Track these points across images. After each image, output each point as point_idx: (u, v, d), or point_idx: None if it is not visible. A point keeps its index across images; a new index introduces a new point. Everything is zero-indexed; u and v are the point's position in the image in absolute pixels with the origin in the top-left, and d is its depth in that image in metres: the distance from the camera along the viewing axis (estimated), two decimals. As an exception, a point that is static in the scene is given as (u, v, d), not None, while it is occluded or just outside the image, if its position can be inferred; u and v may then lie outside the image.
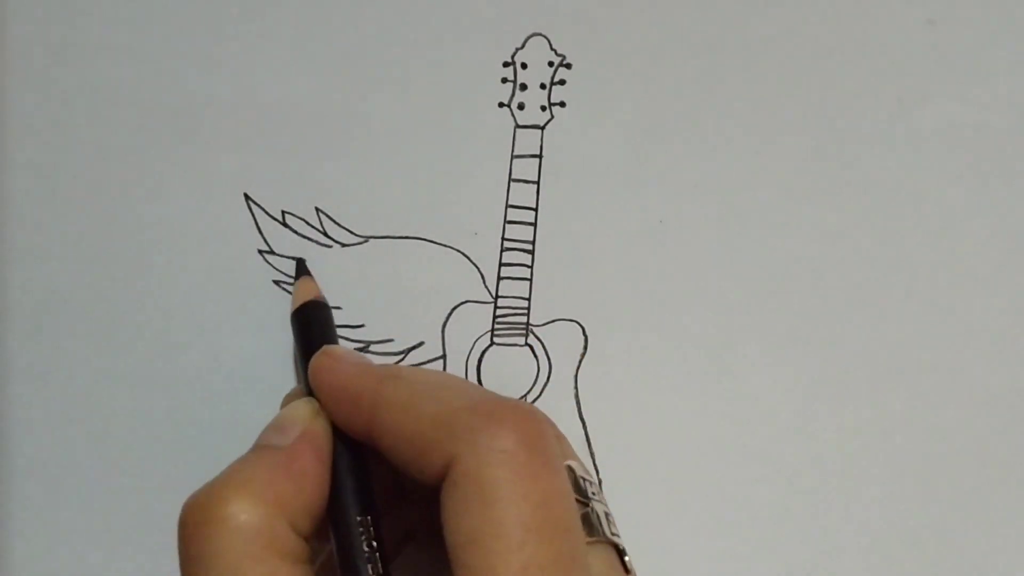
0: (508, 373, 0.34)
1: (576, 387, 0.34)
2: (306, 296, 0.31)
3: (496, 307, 0.34)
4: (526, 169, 0.34)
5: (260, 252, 0.34)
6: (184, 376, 0.34)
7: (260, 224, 0.34)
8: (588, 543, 0.24)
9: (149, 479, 0.34)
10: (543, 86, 0.33)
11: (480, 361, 0.34)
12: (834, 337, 0.34)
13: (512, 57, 0.33)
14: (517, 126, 0.34)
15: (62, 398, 0.34)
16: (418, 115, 0.33)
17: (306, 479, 0.25)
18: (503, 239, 0.34)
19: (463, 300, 0.34)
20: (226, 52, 0.33)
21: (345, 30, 0.33)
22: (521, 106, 0.33)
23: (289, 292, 0.34)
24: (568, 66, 0.34)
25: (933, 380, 0.34)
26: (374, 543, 0.25)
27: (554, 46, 0.33)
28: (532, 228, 0.34)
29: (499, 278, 0.34)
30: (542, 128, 0.34)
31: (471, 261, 0.34)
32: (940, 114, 0.34)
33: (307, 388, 0.28)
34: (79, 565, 0.34)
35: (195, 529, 0.24)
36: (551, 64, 0.33)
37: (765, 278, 0.34)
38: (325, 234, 0.34)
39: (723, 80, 0.34)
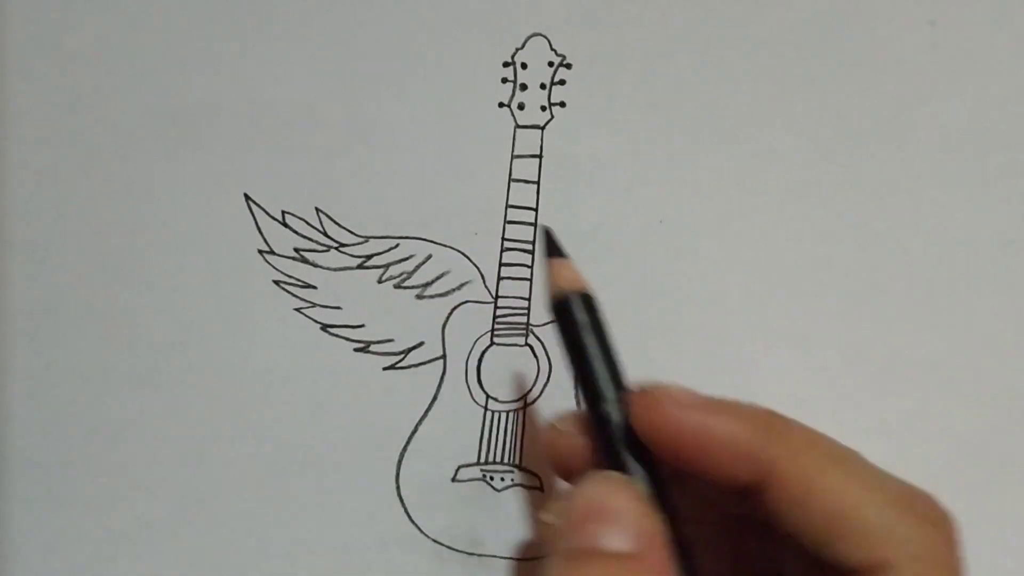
0: (508, 373, 0.34)
1: (576, 387, 0.34)
2: (571, 284, 0.25)
3: (496, 307, 0.34)
4: (526, 169, 0.34)
5: (260, 252, 0.34)
6: (184, 376, 0.34)
7: (260, 224, 0.34)
8: None
9: (149, 479, 0.34)
10: (543, 86, 0.33)
11: (480, 361, 0.34)
12: (834, 336, 0.34)
13: (512, 57, 0.33)
14: (517, 126, 0.34)
15: (62, 398, 0.34)
16: (418, 115, 0.33)
17: None
18: (503, 239, 0.34)
19: (463, 300, 0.34)
20: (226, 53, 0.33)
21: (345, 30, 0.33)
22: (521, 106, 0.33)
23: (289, 292, 0.34)
24: (568, 66, 0.34)
25: (933, 380, 0.34)
26: None
27: (554, 46, 0.33)
28: (532, 228, 0.34)
29: (499, 278, 0.34)
30: (542, 128, 0.34)
31: (471, 261, 0.34)
32: (940, 114, 0.34)
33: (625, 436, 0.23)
34: (79, 565, 0.34)
35: None
36: (551, 64, 0.33)
37: (765, 278, 0.34)
38: (325, 234, 0.34)
39: (723, 80, 0.34)
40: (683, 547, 0.22)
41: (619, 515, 0.21)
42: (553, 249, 0.26)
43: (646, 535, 0.21)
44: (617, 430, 0.23)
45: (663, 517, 0.21)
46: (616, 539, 0.20)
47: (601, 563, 0.20)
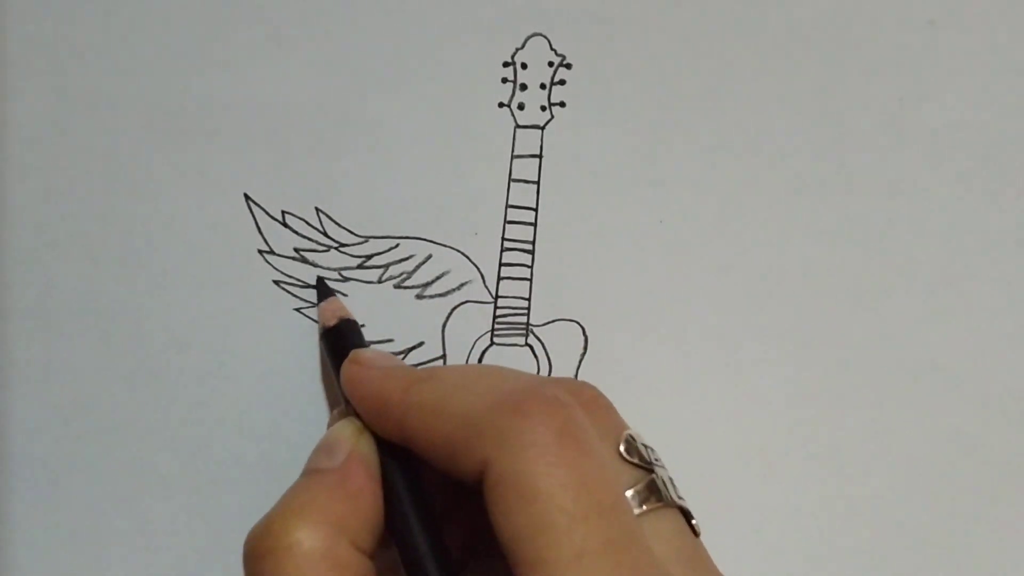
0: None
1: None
2: (335, 315, 0.31)
3: (496, 307, 0.34)
4: (526, 169, 0.34)
5: (260, 252, 0.34)
6: (184, 376, 0.34)
7: (260, 224, 0.34)
8: (654, 509, 0.24)
9: (149, 479, 0.34)
10: (543, 86, 0.33)
11: (480, 361, 0.34)
12: (835, 337, 0.34)
13: (512, 57, 0.33)
14: (517, 126, 0.34)
15: (62, 398, 0.34)
16: (418, 115, 0.33)
17: (361, 498, 0.25)
18: (503, 239, 0.34)
19: (463, 300, 0.34)
20: (226, 52, 0.33)
21: (345, 30, 0.33)
22: (521, 106, 0.33)
23: (289, 292, 0.34)
24: (568, 66, 0.34)
25: (934, 379, 0.34)
26: (439, 553, 0.25)
27: (554, 46, 0.33)
28: (532, 228, 0.34)
29: (499, 278, 0.34)
30: (542, 128, 0.34)
31: (471, 261, 0.34)
32: (940, 114, 0.34)
33: (346, 404, 0.28)
34: (79, 565, 0.34)
35: (261, 560, 0.24)
36: (551, 64, 0.33)
37: (765, 278, 0.34)
38: (325, 234, 0.34)
39: (723, 80, 0.34)
40: (409, 479, 0.26)
41: (332, 443, 0.27)
42: (325, 292, 0.33)
43: (348, 456, 0.26)
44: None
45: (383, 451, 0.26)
46: (324, 460, 0.26)
47: (308, 478, 0.26)
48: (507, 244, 0.34)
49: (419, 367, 0.29)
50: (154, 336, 0.34)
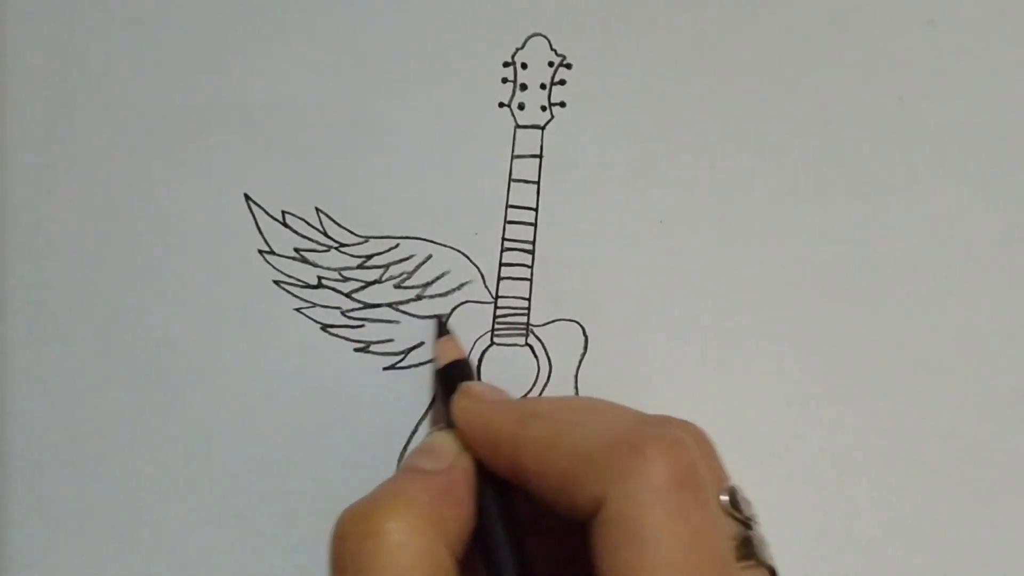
0: (508, 373, 0.34)
1: (576, 387, 0.34)
2: (451, 355, 0.32)
3: (496, 307, 0.34)
4: (526, 169, 0.34)
5: (260, 252, 0.34)
6: (184, 376, 0.34)
7: (260, 224, 0.34)
8: (747, 567, 0.24)
9: (149, 479, 0.34)
10: (543, 86, 0.33)
11: (480, 361, 0.34)
12: (834, 336, 0.34)
13: (512, 57, 0.33)
14: (517, 126, 0.34)
15: (62, 398, 0.34)
16: (418, 115, 0.33)
17: (462, 506, 0.26)
18: (503, 239, 0.34)
19: (463, 300, 0.34)
20: (226, 52, 0.33)
21: (345, 30, 0.33)
22: (521, 106, 0.33)
23: (289, 292, 0.34)
24: (568, 66, 0.34)
25: (934, 379, 0.34)
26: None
27: (554, 46, 0.33)
28: (532, 228, 0.34)
29: (499, 278, 0.34)
30: (542, 128, 0.34)
31: (471, 261, 0.34)
32: (940, 114, 0.34)
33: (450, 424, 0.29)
34: (79, 565, 0.34)
35: (357, 543, 0.24)
36: (551, 64, 0.33)
37: (765, 278, 0.34)
38: (325, 234, 0.34)
39: (723, 80, 0.34)
40: (503, 500, 0.27)
41: (437, 448, 0.27)
42: (442, 331, 0.33)
43: (451, 463, 0.26)
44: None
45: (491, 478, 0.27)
46: (429, 461, 0.27)
47: (415, 474, 0.26)
48: (507, 244, 0.34)
49: (524, 402, 0.30)
50: (154, 336, 0.34)
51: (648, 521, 0.22)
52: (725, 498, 0.25)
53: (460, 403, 0.28)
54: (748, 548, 0.24)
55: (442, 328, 0.33)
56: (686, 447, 0.23)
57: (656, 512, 0.22)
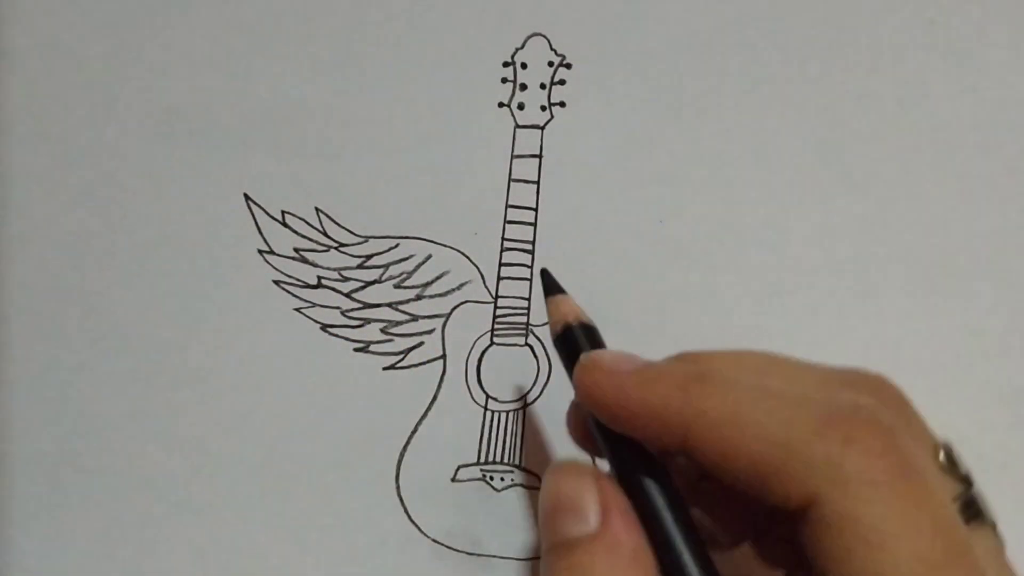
0: (508, 373, 0.34)
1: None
2: (566, 318, 0.27)
3: (496, 307, 0.34)
4: (526, 169, 0.34)
5: (260, 252, 0.34)
6: (184, 376, 0.34)
7: (260, 224, 0.34)
8: (974, 531, 0.22)
9: (149, 479, 0.34)
10: (543, 86, 0.33)
11: (480, 361, 0.34)
12: (834, 337, 0.34)
13: (512, 57, 0.33)
14: (517, 126, 0.34)
15: (62, 398, 0.34)
16: (418, 115, 0.33)
17: (639, 557, 0.22)
18: (503, 239, 0.34)
19: (463, 300, 0.34)
20: (226, 52, 0.33)
21: (345, 30, 0.33)
22: (521, 106, 0.33)
23: (289, 292, 0.34)
24: (568, 66, 0.34)
25: (933, 379, 0.34)
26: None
27: (554, 46, 0.33)
28: (532, 228, 0.34)
29: (499, 278, 0.34)
30: (542, 128, 0.34)
31: (471, 261, 0.34)
32: (940, 114, 0.34)
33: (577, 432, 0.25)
34: (79, 565, 0.34)
35: None
36: (551, 64, 0.33)
37: (765, 278, 0.34)
38: (325, 234, 0.34)
39: (723, 80, 0.34)
40: (676, 518, 0.23)
41: (574, 501, 0.22)
42: (553, 287, 0.28)
43: (603, 511, 0.22)
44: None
45: (638, 490, 0.22)
46: (576, 526, 0.22)
47: (569, 551, 0.22)
48: (507, 244, 0.34)
49: (676, 362, 0.24)
50: (154, 336, 0.34)
51: (880, 518, 0.20)
52: (942, 459, 0.23)
53: (590, 379, 0.23)
54: (972, 508, 0.23)
55: (549, 283, 0.28)
56: (893, 428, 0.21)
57: (886, 508, 0.20)
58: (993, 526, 0.23)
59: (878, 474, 0.20)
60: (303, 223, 0.34)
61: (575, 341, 0.26)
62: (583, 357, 0.24)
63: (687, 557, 0.22)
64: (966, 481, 0.23)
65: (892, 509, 0.20)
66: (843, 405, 0.21)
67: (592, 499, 0.22)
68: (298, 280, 0.34)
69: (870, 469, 0.20)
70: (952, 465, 0.23)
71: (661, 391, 0.22)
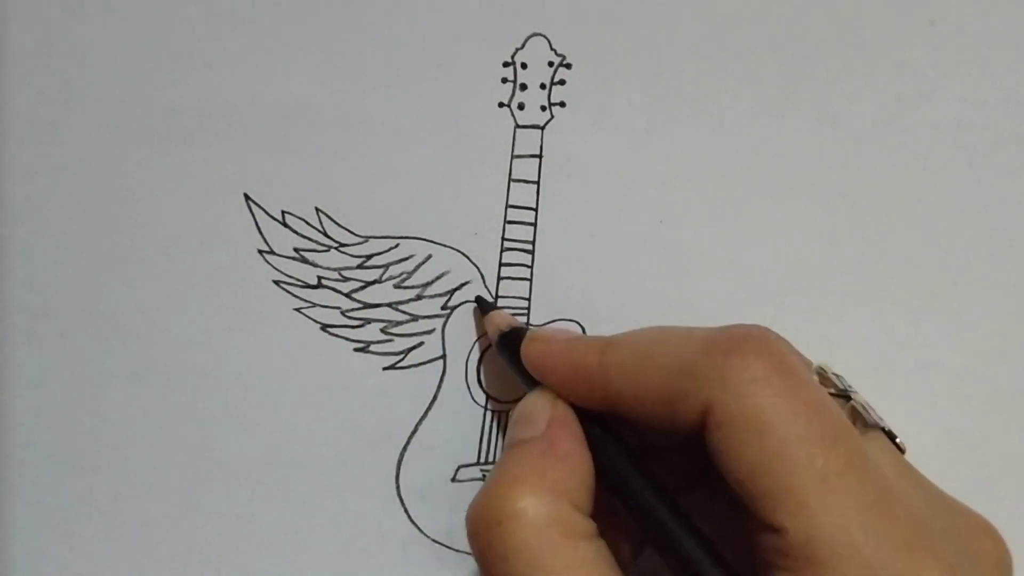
0: (508, 373, 0.34)
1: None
2: (506, 324, 0.32)
3: (496, 307, 0.34)
4: (526, 169, 0.34)
5: (260, 252, 0.34)
6: (184, 376, 0.34)
7: (260, 224, 0.34)
8: (862, 433, 0.24)
9: (148, 479, 0.34)
10: (543, 86, 0.33)
11: (480, 361, 0.34)
12: (834, 337, 0.34)
13: (512, 57, 0.33)
14: (517, 126, 0.34)
15: (62, 398, 0.34)
16: (418, 115, 0.33)
17: (572, 460, 0.26)
18: (503, 239, 0.34)
19: (463, 301, 0.34)
20: (226, 52, 0.33)
21: (345, 30, 0.33)
22: (521, 106, 0.33)
23: (289, 292, 0.34)
24: (568, 66, 0.34)
25: (933, 380, 0.34)
26: (664, 496, 0.25)
27: (554, 46, 0.33)
28: (532, 228, 0.34)
29: (499, 278, 0.34)
30: (542, 128, 0.34)
31: (471, 261, 0.34)
32: (940, 114, 0.34)
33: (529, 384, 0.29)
34: (79, 565, 0.34)
35: (491, 530, 0.25)
36: (551, 64, 0.33)
37: (765, 278, 0.34)
38: (325, 234, 0.34)
39: (723, 80, 0.34)
40: (614, 436, 0.27)
41: (530, 413, 0.27)
42: (487, 306, 0.33)
43: (549, 423, 0.26)
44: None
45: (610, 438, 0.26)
46: (526, 431, 0.27)
47: (517, 449, 0.26)
48: (507, 244, 0.34)
49: (594, 337, 0.28)
50: (154, 336, 0.34)
51: (764, 409, 0.22)
52: (815, 377, 0.25)
53: (532, 348, 0.28)
54: (856, 416, 0.25)
55: (484, 304, 0.33)
56: (772, 337, 0.24)
57: (768, 399, 0.22)
58: (889, 433, 0.25)
59: (757, 372, 0.23)
60: (303, 223, 0.34)
61: (515, 342, 0.30)
62: (528, 333, 0.29)
63: (628, 473, 0.26)
64: (844, 396, 0.26)
65: (772, 400, 0.22)
66: (726, 330, 0.24)
67: (544, 414, 0.27)
68: (298, 280, 0.34)
69: (750, 369, 0.23)
70: (825, 382, 0.26)
71: (581, 355, 0.26)
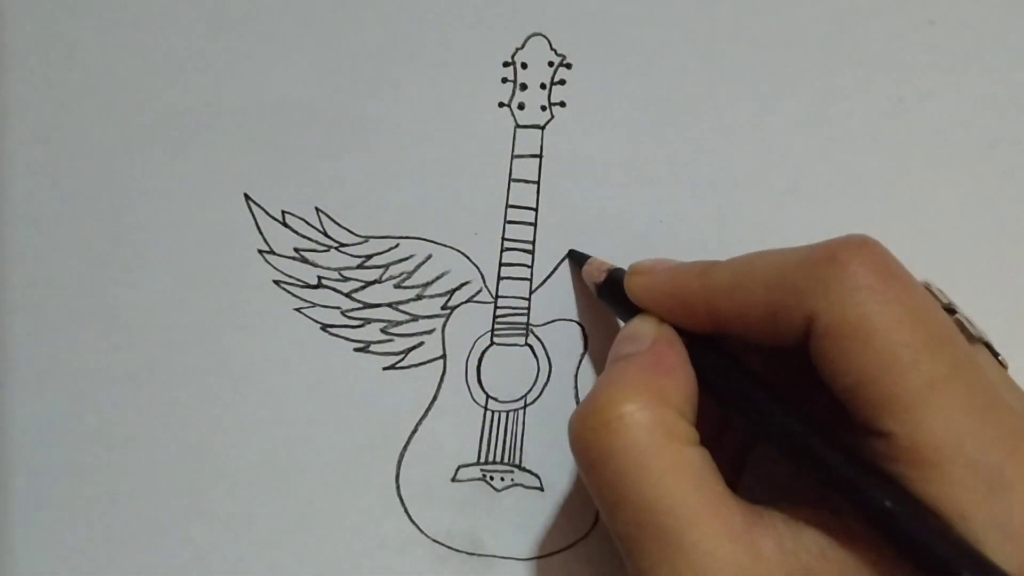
0: (508, 373, 0.34)
1: (576, 387, 0.34)
2: (604, 269, 0.32)
3: (496, 307, 0.34)
4: (526, 169, 0.34)
5: (260, 252, 0.34)
6: (184, 376, 0.34)
7: (260, 224, 0.34)
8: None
9: (149, 479, 0.34)
10: (543, 86, 0.33)
11: (480, 361, 0.34)
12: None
13: (512, 57, 0.33)
14: (517, 126, 0.34)
15: (62, 398, 0.34)
16: (418, 115, 0.33)
17: (677, 373, 0.26)
18: (503, 239, 0.34)
19: (463, 300, 0.34)
20: (226, 52, 0.33)
21: (345, 30, 0.33)
22: (521, 106, 0.33)
23: (289, 292, 0.34)
24: (568, 66, 0.34)
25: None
26: (782, 399, 0.25)
27: (554, 46, 0.33)
28: (532, 228, 0.34)
29: (499, 278, 0.34)
30: (542, 128, 0.34)
31: (471, 261, 0.34)
32: (940, 114, 0.34)
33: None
34: (79, 565, 0.34)
35: (596, 433, 0.25)
36: (551, 64, 0.33)
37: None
38: (325, 234, 0.34)
39: (723, 80, 0.34)
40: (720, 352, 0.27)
41: (636, 332, 0.28)
42: (580, 259, 0.33)
43: (654, 340, 0.27)
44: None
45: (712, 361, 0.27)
46: (632, 346, 0.27)
47: (623, 361, 0.26)
48: (507, 244, 0.34)
49: (691, 263, 0.28)
50: (154, 336, 0.34)
51: (868, 317, 0.22)
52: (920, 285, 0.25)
53: (636, 281, 0.29)
54: (961, 330, 0.25)
55: (577, 256, 0.33)
56: (874, 244, 0.24)
57: (872, 306, 0.22)
58: (992, 349, 0.26)
59: (860, 280, 0.23)
60: (303, 223, 0.34)
61: (615, 282, 0.30)
62: (630, 267, 0.29)
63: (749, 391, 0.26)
64: (949, 310, 0.26)
65: (875, 307, 0.22)
66: (825, 241, 0.24)
67: (650, 334, 0.27)
68: (298, 280, 0.34)
69: (852, 277, 0.23)
70: (933, 295, 0.26)
71: (683, 280, 0.27)
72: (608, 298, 0.31)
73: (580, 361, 0.34)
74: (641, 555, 0.24)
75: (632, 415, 0.24)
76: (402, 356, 0.34)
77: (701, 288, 0.26)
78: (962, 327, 0.25)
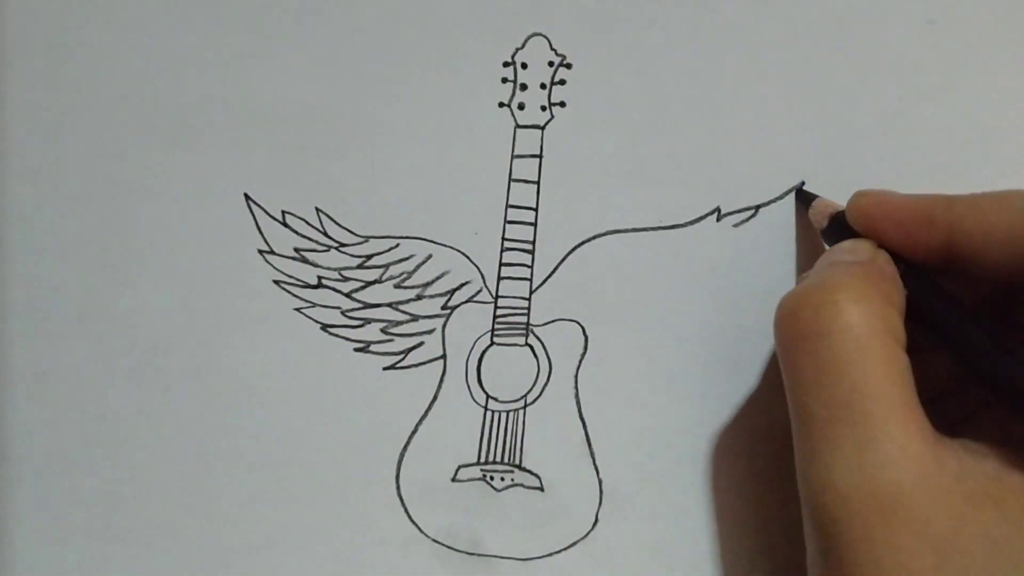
0: (508, 373, 0.34)
1: (576, 387, 0.34)
2: (833, 208, 0.31)
3: (496, 307, 0.34)
4: (526, 169, 0.34)
5: (260, 252, 0.34)
6: (184, 376, 0.34)
7: (260, 224, 0.34)
8: None
9: (149, 479, 0.34)
10: (543, 86, 0.33)
11: (480, 361, 0.34)
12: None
13: (512, 57, 0.33)
14: (517, 126, 0.34)
15: (62, 398, 0.34)
16: (418, 115, 0.33)
17: (894, 283, 0.27)
18: (503, 239, 0.34)
19: (463, 300, 0.34)
20: (226, 52, 0.33)
21: (346, 30, 0.33)
22: (521, 106, 0.33)
23: (289, 292, 0.34)
24: (568, 66, 0.34)
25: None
26: (991, 327, 0.25)
27: (554, 46, 0.33)
28: (532, 228, 0.34)
29: (499, 278, 0.34)
30: (542, 128, 0.34)
31: (471, 261, 0.34)
32: (940, 114, 0.34)
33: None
34: (79, 565, 0.34)
35: (816, 310, 0.25)
36: (551, 64, 0.33)
37: (764, 278, 0.34)
38: (325, 234, 0.34)
39: (723, 80, 0.34)
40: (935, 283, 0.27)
41: (853, 247, 0.28)
42: (807, 196, 0.33)
43: (872, 255, 0.27)
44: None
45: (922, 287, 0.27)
46: (849, 256, 0.27)
47: (841, 265, 0.27)
48: (507, 244, 0.34)
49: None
50: (154, 336, 0.34)
51: None
52: None
53: (866, 199, 0.29)
54: None
55: (805, 195, 0.33)
56: None
57: None
58: None
59: None
60: (303, 223, 0.34)
61: (841, 222, 0.30)
62: (857, 194, 0.29)
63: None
64: None
65: None
66: None
67: (868, 250, 0.28)
68: (298, 280, 0.34)
69: None
70: None
71: (925, 200, 0.27)
72: (834, 241, 0.31)
73: (580, 361, 0.34)
74: (823, 435, 0.24)
75: (857, 302, 0.25)
76: (402, 356, 0.34)
77: (947, 205, 0.26)
78: None
